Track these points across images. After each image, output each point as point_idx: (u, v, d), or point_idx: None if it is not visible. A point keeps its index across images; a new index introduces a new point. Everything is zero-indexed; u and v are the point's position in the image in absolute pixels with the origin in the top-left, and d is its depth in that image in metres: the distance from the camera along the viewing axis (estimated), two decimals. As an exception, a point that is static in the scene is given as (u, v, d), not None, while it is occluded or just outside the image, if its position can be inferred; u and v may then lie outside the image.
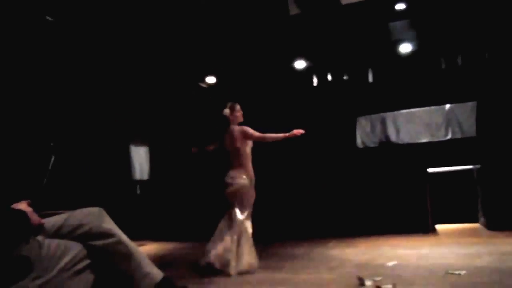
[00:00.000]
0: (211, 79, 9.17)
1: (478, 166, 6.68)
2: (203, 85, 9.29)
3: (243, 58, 8.50)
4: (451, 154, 7.76)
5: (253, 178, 4.56)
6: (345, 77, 9.06)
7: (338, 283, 3.40)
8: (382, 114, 8.66)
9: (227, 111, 4.69)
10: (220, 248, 4.15)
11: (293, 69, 8.87)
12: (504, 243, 4.87)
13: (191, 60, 8.41)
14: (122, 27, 6.76)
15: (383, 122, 8.65)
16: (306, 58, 8.72)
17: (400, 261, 4.13)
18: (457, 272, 3.46)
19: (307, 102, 9.07)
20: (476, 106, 8.02)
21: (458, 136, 8.16)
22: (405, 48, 8.19)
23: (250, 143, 4.62)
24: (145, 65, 8.16)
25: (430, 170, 6.73)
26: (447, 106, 8.22)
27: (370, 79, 8.95)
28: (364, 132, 8.83)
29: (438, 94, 8.19)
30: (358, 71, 8.97)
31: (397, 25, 7.92)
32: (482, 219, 6.49)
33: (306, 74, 9.01)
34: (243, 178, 4.45)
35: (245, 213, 4.38)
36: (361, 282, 3.27)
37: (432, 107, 8.28)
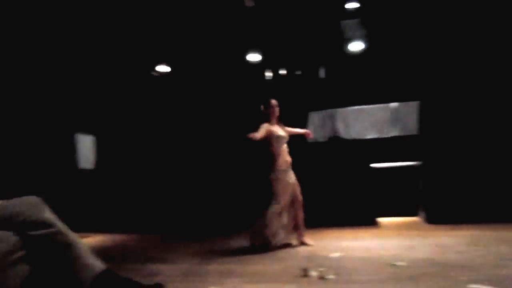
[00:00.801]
0: (163, 68, 8.98)
1: (419, 162, 6.99)
2: (155, 74, 9.09)
3: (197, 48, 8.38)
4: (395, 150, 8.08)
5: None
6: (297, 72, 9.17)
7: (283, 274, 3.45)
8: (332, 110, 8.87)
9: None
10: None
11: (247, 62, 8.86)
12: (442, 236, 5.14)
13: (143, 48, 8.20)
14: (72, 12, 6.47)
15: (333, 118, 8.87)
16: (259, 51, 8.74)
17: (344, 253, 4.25)
18: (397, 263, 3.61)
19: (260, 95, 9.11)
20: (419, 105, 8.41)
21: (402, 133, 8.52)
22: (356, 46, 8.40)
23: (273, 138, 5.09)
24: (95, 52, 7.85)
25: (375, 165, 6.97)
26: (393, 104, 8.55)
27: (322, 75, 9.11)
28: (315, 127, 9.01)
29: (385, 93, 8.49)
30: (310, 67, 9.11)
31: (349, 23, 8.12)
32: (422, 213, 6.82)
33: (259, 67, 9.04)
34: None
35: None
36: (305, 273, 3.34)
37: (379, 105, 8.59)
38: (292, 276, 3.36)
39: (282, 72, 9.09)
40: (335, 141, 8.76)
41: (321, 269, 3.48)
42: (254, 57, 8.76)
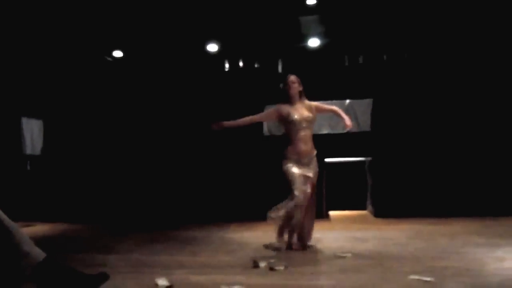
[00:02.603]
0: (117, 53, 8.73)
1: (369, 158, 7.21)
2: (109, 59, 8.81)
3: (154, 34, 8.20)
4: (347, 146, 8.30)
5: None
6: (256, 65, 9.19)
7: (233, 265, 3.47)
8: (288, 104, 8.95)
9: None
10: None
11: (205, 52, 8.78)
12: (388, 229, 5.34)
13: (97, 33, 7.92)
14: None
15: (289, 112, 8.95)
16: (218, 41, 8.67)
17: (294, 245, 4.32)
18: (344, 255, 3.72)
19: (218, 86, 9.07)
20: (372, 103, 8.67)
21: (355, 130, 8.75)
22: (314, 42, 8.52)
23: (285, 121, 4.23)
24: (45, 34, 7.50)
25: (327, 160, 7.11)
26: (347, 101, 8.76)
27: (280, 69, 9.18)
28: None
29: (340, 89, 8.68)
30: (268, 61, 9.15)
31: (307, 20, 8.21)
32: (370, 207, 7.05)
33: (218, 58, 8.98)
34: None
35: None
36: (255, 264, 3.37)
37: (334, 101, 8.76)
38: (242, 267, 3.39)
39: (241, 64, 9.08)
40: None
41: (271, 260, 3.53)
42: (212, 47, 8.68)
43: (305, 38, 8.54)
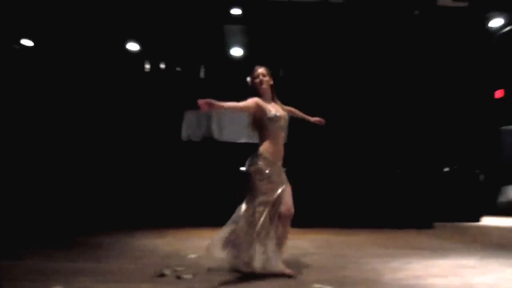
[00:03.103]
0: (26, 42, 8.12)
1: (284, 169, 7.40)
2: (16, 47, 8.17)
3: (69, 24, 7.75)
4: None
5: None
6: (178, 69, 9.07)
7: (138, 274, 3.34)
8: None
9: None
10: None
11: (126, 50, 8.49)
12: (296, 239, 5.42)
13: (4, 20, 7.32)
14: None
15: (209, 119, 8.93)
16: (139, 41, 8.43)
17: (204, 252, 4.27)
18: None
19: (137, 87, 8.79)
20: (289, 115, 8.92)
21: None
22: (236, 52, 8.61)
23: (265, 117, 3.56)
24: None
25: (243, 168, 7.20)
26: (266, 111, 8.94)
27: (202, 75, 9.14)
28: (190, 126, 8.98)
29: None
30: (191, 65, 9.07)
31: (232, 29, 8.30)
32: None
33: (138, 58, 8.73)
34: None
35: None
36: (162, 272, 3.29)
37: (253, 111, 8.91)
38: (148, 275, 3.28)
39: (162, 66, 8.90)
40: (209, 142, 8.84)
41: (179, 268, 3.46)
42: (133, 46, 8.42)
43: (228, 47, 8.61)
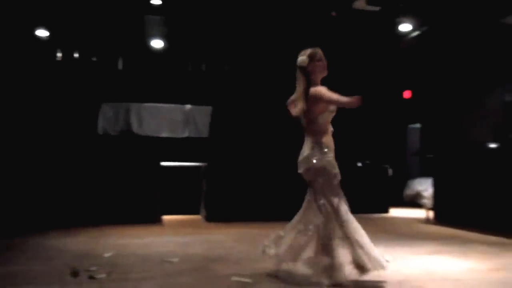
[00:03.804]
0: None
1: (205, 164, 7.37)
2: None
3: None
4: (185, 151, 8.36)
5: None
6: (94, 59, 8.65)
7: (48, 275, 3.16)
8: (127, 103, 8.63)
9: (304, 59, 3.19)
10: None
11: (35, 37, 7.90)
12: (216, 233, 5.51)
13: None
14: None
15: (127, 112, 8.64)
16: (48, 28, 7.89)
17: (120, 251, 4.14)
18: (171, 260, 3.71)
19: (48, 77, 8.24)
20: (212, 110, 8.92)
21: (194, 135, 8.89)
22: (157, 43, 8.40)
23: (328, 108, 3.19)
24: None
25: (164, 163, 7.04)
26: (188, 106, 8.84)
27: (120, 66, 8.81)
28: (107, 119, 8.62)
29: (181, 94, 8.72)
30: (108, 56, 8.70)
31: (152, 19, 8.07)
32: (203, 212, 7.19)
33: (48, 46, 8.18)
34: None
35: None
36: (74, 272, 3.12)
37: (174, 105, 8.76)
38: (58, 276, 3.10)
39: (76, 55, 8.43)
40: (127, 136, 8.54)
41: (92, 268, 3.31)
42: (42, 33, 7.86)
43: (149, 38, 8.37)
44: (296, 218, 3.25)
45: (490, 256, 4.01)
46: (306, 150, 3.17)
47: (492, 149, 5.98)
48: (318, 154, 3.11)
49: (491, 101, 8.76)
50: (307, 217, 3.14)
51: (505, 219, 5.33)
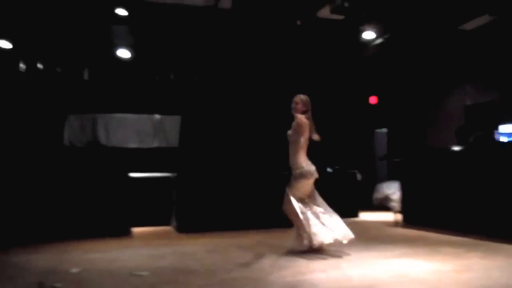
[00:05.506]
0: None
1: (175, 174, 7.29)
2: None
3: None
4: (154, 161, 8.25)
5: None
6: (58, 69, 8.46)
7: (10, 295, 3.03)
8: (93, 114, 8.48)
9: None
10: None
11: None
12: (187, 244, 5.44)
13: None
14: None
15: (94, 123, 8.49)
16: (10, 39, 7.67)
17: (88, 266, 4.03)
18: (140, 273, 3.63)
19: (11, 88, 8.00)
20: (181, 119, 8.86)
21: (164, 145, 8.80)
22: (124, 53, 8.31)
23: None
24: None
25: (133, 174, 6.93)
26: (157, 116, 8.75)
27: (86, 76, 8.65)
28: (73, 131, 8.44)
29: (149, 104, 8.63)
30: (73, 66, 8.53)
31: (119, 29, 7.98)
32: (174, 223, 7.10)
33: (11, 57, 7.95)
34: None
35: None
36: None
37: (143, 115, 8.66)
38: (21, 295, 2.99)
39: (40, 66, 8.22)
40: (94, 147, 8.37)
41: (58, 285, 3.21)
42: (5, 44, 7.65)
43: (115, 47, 8.26)
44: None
45: (455, 257, 4.12)
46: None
47: (456, 152, 6.17)
48: None
49: (453, 105, 9.08)
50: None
51: (469, 219, 5.50)
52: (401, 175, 7.11)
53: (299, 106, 4.66)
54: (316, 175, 4.61)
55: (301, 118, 4.58)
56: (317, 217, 4.50)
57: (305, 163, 4.59)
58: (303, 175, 4.55)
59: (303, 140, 4.59)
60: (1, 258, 4.59)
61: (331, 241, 4.37)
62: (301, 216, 4.45)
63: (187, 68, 8.87)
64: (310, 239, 4.39)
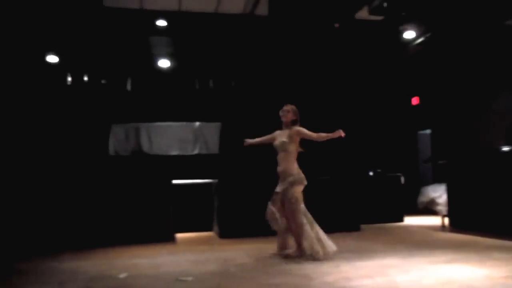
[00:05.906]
0: None
1: (216, 180, 7.38)
2: None
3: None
4: (195, 168, 8.37)
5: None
6: (103, 81, 8.78)
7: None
8: (136, 124, 8.73)
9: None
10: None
11: (45, 63, 8.05)
12: (230, 250, 5.48)
13: None
14: None
15: (137, 132, 8.73)
16: (58, 53, 8.04)
17: (133, 271, 4.14)
18: (185, 279, 3.69)
19: (59, 101, 8.37)
20: (221, 126, 8.96)
21: (204, 152, 8.92)
22: (164, 63, 8.51)
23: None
24: None
25: (175, 181, 7.06)
26: (197, 123, 8.90)
27: (129, 87, 8.93)
28: (118, 140, 8.71)
29: (190, 112, 8.78)
30: (117, 78, 8.83)
31: (158, 40, 8.19)
32: (215, 228, 7.18)
33: (59, 70, 8.33)
34: None
35: None
36: (89, 295, 3.13)
37: (183, 123, 8.83)
38: (72, 300, 3.10)
39: (86, 78, 8.56)
40: (138, 155, 8.60)
41: (105, 290, 3.31)
42: (52, 58, 8.01)
43: (155, 58, 8.49)
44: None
45: (506, 262, 3.93)
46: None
47: (505, 152, 5.90)
48: None
49: (500, 104, 8.68)
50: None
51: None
52: (447, 177, 6.86)
53: (290, 115, 4.84)
54: (305, 182, 4.78)
55: (302, 128, 4.79)
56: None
57: (298, 171, 4.78)
58: (301, 181, 4.74)
59: (297, 149, 4.83)
60: (52, 263, 4.79)
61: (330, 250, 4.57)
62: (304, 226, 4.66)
63: (226, 75, 8.97)
64: (306, 248, 4.56)
